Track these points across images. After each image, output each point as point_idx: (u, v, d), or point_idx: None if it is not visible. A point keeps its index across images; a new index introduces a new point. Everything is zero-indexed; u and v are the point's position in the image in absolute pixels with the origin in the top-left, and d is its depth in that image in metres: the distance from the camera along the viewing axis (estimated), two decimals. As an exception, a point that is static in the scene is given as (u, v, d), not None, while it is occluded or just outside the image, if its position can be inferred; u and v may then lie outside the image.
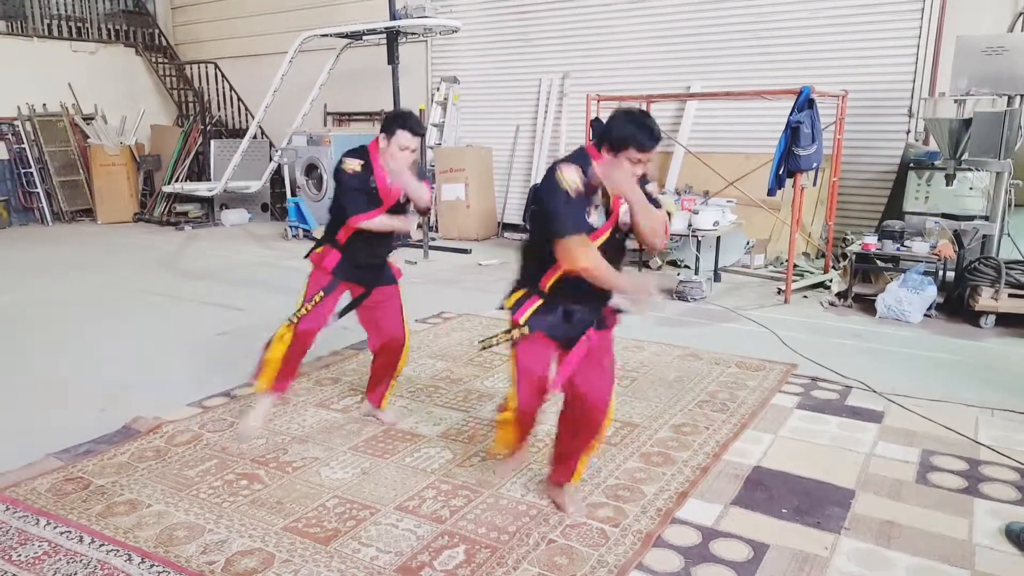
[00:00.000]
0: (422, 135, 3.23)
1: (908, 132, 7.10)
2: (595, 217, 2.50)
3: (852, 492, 2.94)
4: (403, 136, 3.16)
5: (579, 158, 2.50)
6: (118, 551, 2.52)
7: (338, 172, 3.23)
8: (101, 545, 2.55)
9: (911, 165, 6.13)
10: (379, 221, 3.25)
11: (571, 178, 2.40)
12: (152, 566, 2.44)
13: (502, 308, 2.69)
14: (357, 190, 3.21)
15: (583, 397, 2.59)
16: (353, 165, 3.20)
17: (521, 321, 2.58)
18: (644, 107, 7.45)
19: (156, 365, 4.50)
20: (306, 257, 3.43)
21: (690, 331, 5.23)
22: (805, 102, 5.75)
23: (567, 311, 2.56)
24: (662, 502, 2.86)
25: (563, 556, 2.51)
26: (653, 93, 7.60)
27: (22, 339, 5.09)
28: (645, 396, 3.95)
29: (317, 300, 3.30)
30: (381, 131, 3.23)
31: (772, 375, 4.25)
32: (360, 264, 3.32)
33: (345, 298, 3.43)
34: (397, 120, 3.20)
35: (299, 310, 3.30)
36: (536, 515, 2.77)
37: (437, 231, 9.20)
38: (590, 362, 2.58)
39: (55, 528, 2.66)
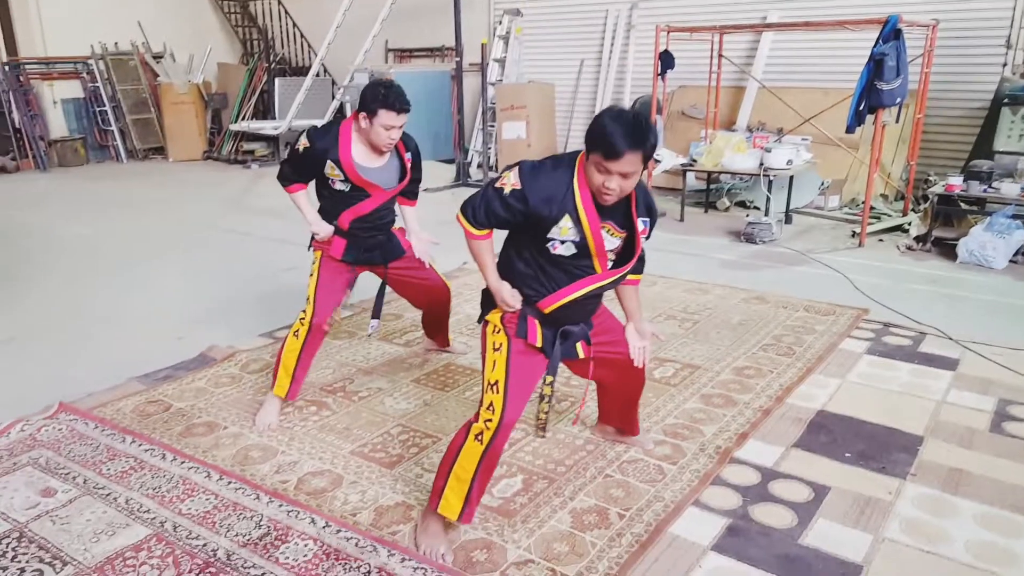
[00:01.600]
0: (407, 111, 2.84)
1: (1004, 65, 6.65)
2: (562, 248, 2.18)
3: (920, 439, 2.88)
4: (386, 116, 2.79)
5: (566, 164, 2.16)
6: (198, 468, 2.67)
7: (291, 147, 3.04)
8: (182, 462, 2.71)
9: (1005, 101, 5.77)
10: (297, 199, 3.08)
11: (512, 181, 2.13)
12: (230, 483, 2.58)
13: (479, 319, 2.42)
14: (297, 161, 2.98)
15: (623, 373, 2.54)
16: (304, 143, 2.94)
17: (536, 344, 2.30)
18: (716, 40, 7.18)
19: (228, 298, 4.66)
20: (309, 248, 3.15)
21: (757, 274, 5.11)
22: (891, 32, 5.42)
23: (568, 332, 2.34)
24: (721, 442, 2.85)
25: (619, 489, 2.55)
26: (727, 24, 7.28)
27: (101, 271, 5.34)
28: (707, 339, 3.91)
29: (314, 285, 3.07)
30: (359, 109, 2.85)
31: (842, 320, 4.14)
32: (368, 246, 3.12)
33: (363, 291, 3.34)
34: (377, 97, 2.77)
35: (311, 303, 3.02)
36: (593, 450, 2.81)
37: (497, 171, 9.16)
38: (603, 360, 2.47)
39: (140, 446, 2.83)
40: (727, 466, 2.69)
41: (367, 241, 3.10)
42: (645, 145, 2.00)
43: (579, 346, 2.39)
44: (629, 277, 2.36)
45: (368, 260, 3.16)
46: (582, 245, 2.16)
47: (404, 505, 2.47)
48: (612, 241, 2.22)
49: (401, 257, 3.22)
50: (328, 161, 2.92)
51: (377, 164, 2.99)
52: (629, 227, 2.23)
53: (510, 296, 2.25)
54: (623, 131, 1.97)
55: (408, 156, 3.10)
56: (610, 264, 2.26)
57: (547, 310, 2.26)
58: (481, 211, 2.21)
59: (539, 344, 2.29)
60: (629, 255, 2.28)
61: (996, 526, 2.35)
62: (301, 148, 2.96)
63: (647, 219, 2.28)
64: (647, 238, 2.31)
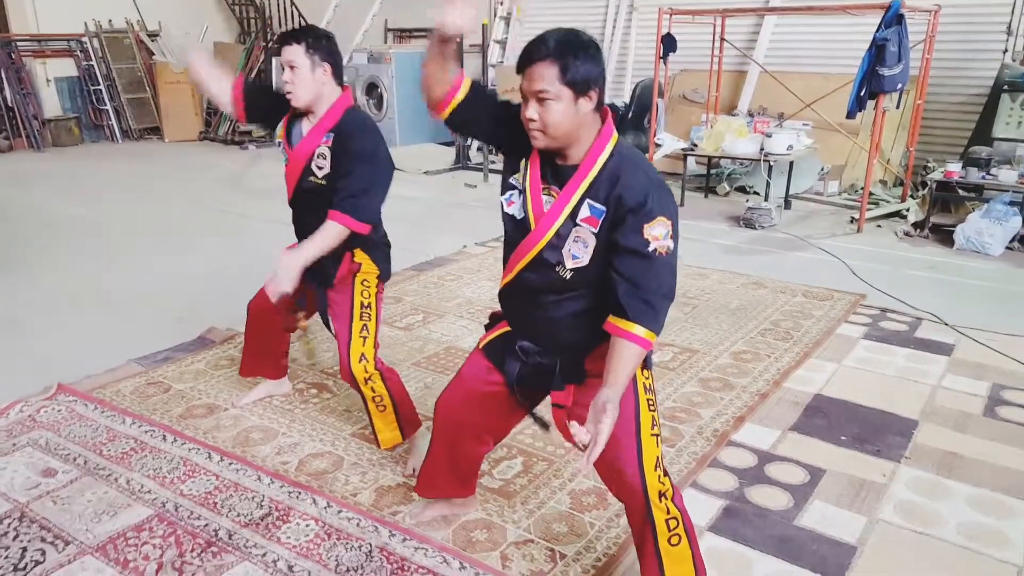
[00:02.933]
0: (292, 42, 2.40)
1: (1005, 51, 6.63)
2: (515, 206, 1.80)
3: (915, 422, 2.90)
4: (282, 51, 2.43)
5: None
6: (199, 449, 2.68)
7: None
8: (183, 444, 2.72)
9: (1005, 87, 5.77)
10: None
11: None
12: (231, 464, 2.59)
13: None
14: (257, 85, 2.66)
15: (607, 477, 1.85)
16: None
17: (481, 345, 2.04)
18: (719, 23, 7.14)
19: (226, 279, 4.66)
20: None
21: (756, 259, 5.13)
22: (894, 18, 5.41)
23: (520, 347, 1.88)
24: (719, 425, 2.87)
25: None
26: (729, 7, 7.24)
27: (98, 252, 5.33)
28: (706, 323, 3.93)
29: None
30: None
31: (839, 305, 4.16)
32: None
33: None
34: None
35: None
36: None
37: (497, 153, 9.12)
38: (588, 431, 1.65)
39: (140, 427, 2.84)
40: (724, 449, 2.72)
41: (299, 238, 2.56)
42: (559, 54, 1.58)
43: (559, 394, 1.87)
44: (617, 324, 1.64)
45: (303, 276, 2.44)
46: (525, 207, 1.76)
47: (405, 487, 2.49)
48: (549, 204, 1.72)
49: (333, 288, 2.57)
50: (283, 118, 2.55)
51: (305, 129, 2.50)
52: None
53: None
54: (539, 37, 1.63)
55: (327, 139, 2.44)
56: (568, 274, 1.73)
57: (502, 284, 1.90)
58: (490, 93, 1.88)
59: (482, 345, 2.02)
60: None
61: (989, 508, 2.38)
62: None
63: (600, 207, 1.66)
64: (612, 241, 1.65)
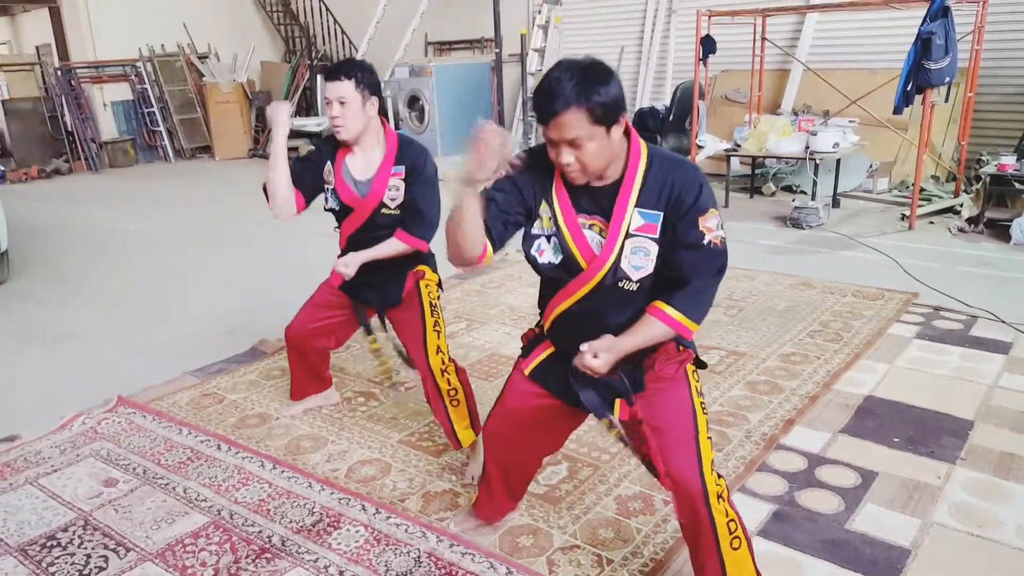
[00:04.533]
0: (339, 79, 2.44)
1: (1058, 39, 6.41)
2: (547, 253, 1.78)
3: (971, 423, 2.82)
4: (322, 85, 2.57)
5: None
6: (252, 458, 2.76)
7: None
8: (237, 453, 2.80)
9: (1059, 76, 5.57)
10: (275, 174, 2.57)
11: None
12: (283, 472, 2.66)
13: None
14: (300, 162, 2.68)
15: (668, 482, 1.81)
16: (311, 147, 2.69)
17: (526, 372, 1.99)
18: (759, 22, 7.06)
19: (277, 292, 4.77)
20: None
21: (804, 259, 5.04)
22: (939, 10, 5.28)
23: (575, 373, 1.75)
24: (767, 428, 2.84)
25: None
26: (769, 7, 7.16)
27: (154, 267, 5.51)
28: (753, 326, 3.88)
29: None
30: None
31: (891, 304, 4.07)
32: (363, 281, 2.65)
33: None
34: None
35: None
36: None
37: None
38: (648, 441, 1.80)
39: (196, 437, 2.93)
40: (773, 453, 2.68)
41: (362, 274, 2.63)
42: (582, 98, 1.54)
43: (617, 404, 1.85)
44: (660, 307, 1.70)
45: (362, 298, 2.73)
46: (565, 248, 1.74)
47: (451, 492, 2.52)
48: (596, 236, 1.72)
49: (397, 306, 2.69)
50: (327, 164, 2.63)
51: (367, 176, 2.60)
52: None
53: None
54: (550, 85, 1.58)
55: (397, 171, 2.56)
56: (634, 286, 1.73)
57: (546, 324, 1.92)
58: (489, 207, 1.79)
59: (527, 372, 1.97)
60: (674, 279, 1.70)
61: (1051, 512, 2.30)
62: (305, 152, 2.75)
63: (655, 212, 1.67)
64: (670, 240, 1.67)
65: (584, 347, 1.65)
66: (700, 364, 1.88)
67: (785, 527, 2.27)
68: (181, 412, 3.16)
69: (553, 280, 1.82)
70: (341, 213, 2.67)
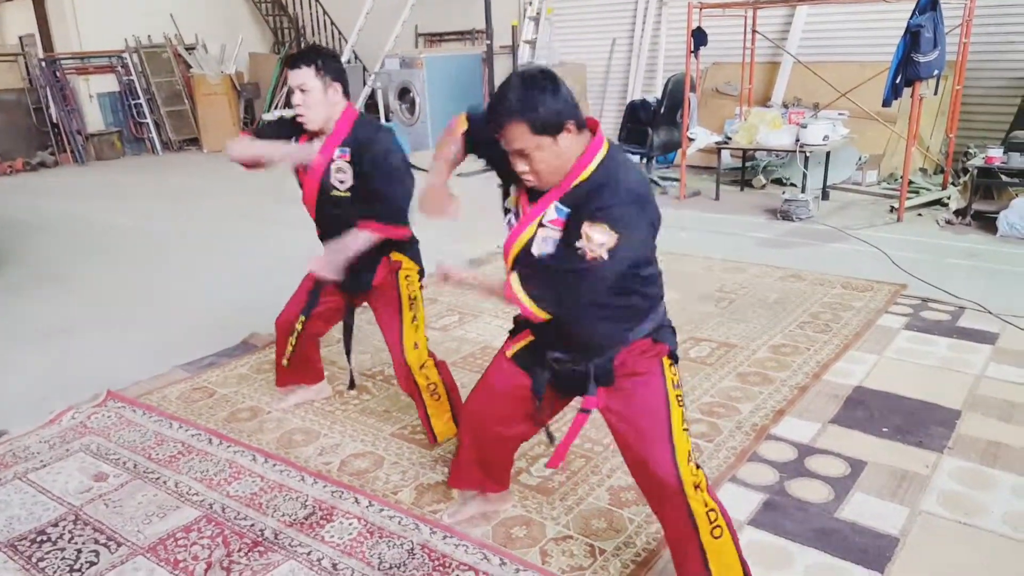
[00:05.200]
0: (300, 66, 2.40)
1: (1046, 33, 6.45)
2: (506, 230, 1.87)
3: (958, 412, 2.85)
4: (289, 75, 2.44)
5: None
6: (244, 452, 2.75)
7: None
8: (229, 447, 2.79)
9: (1046, 69, 5.60)
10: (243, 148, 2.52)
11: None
12: (275, 465, 2.66)
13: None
14: (265, 127, 2.67)
15: (640, 476, 1.87)
16: (277, 115, 2.68)
17: (508, 354, 2.03)
18: (750, 15, 7.06)
19: (265, 285, 4.74)
20: None
21: (794, 252, 5.07)
22: (928, 3, 5.31)
23: (551, 358, 1.90)
24: (758, 419, 2.86)
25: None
26: (758, -1, 7.17)
27: (143, 261, 5.48)
28: (744, 317, 3.90)
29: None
30: None
31: (879, 296, 4.10)
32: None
33: None
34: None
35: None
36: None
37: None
38: (620, 436, 1.88)
39: (187, 431, 2.92)
40: (764, 443, 2.70)
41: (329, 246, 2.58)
42: (523, 111, 1.60)
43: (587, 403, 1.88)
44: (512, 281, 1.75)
45: (337, 283, 2.65)
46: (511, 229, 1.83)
47: (444, 485, 2.52)
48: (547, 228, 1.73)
49: (370, 293, 2.67)
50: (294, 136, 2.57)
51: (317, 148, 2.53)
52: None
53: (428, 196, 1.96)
54: (496, 99, 1.65)
55: (342, 153, 2.47)
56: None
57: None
58: (485, 119, 1.77)
59: (509, 354, 2.02)
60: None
61: (1038, 500, 2.33)
62: (273, 119, 2.66)
63: (565, 209, 1.70)
64: (564, 235, 1.68)
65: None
66: (674, 358, 1.89)
67: (775, 516, 2.29)
68: (171, 406, 3.14)
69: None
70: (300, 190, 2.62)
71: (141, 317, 4.32)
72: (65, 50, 10.51)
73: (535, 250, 1.75)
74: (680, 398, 1.85)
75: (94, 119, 10.77)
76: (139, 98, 10.89)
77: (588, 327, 1.82)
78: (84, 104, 10.65)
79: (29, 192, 8.39)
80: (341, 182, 2.51)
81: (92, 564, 2.19)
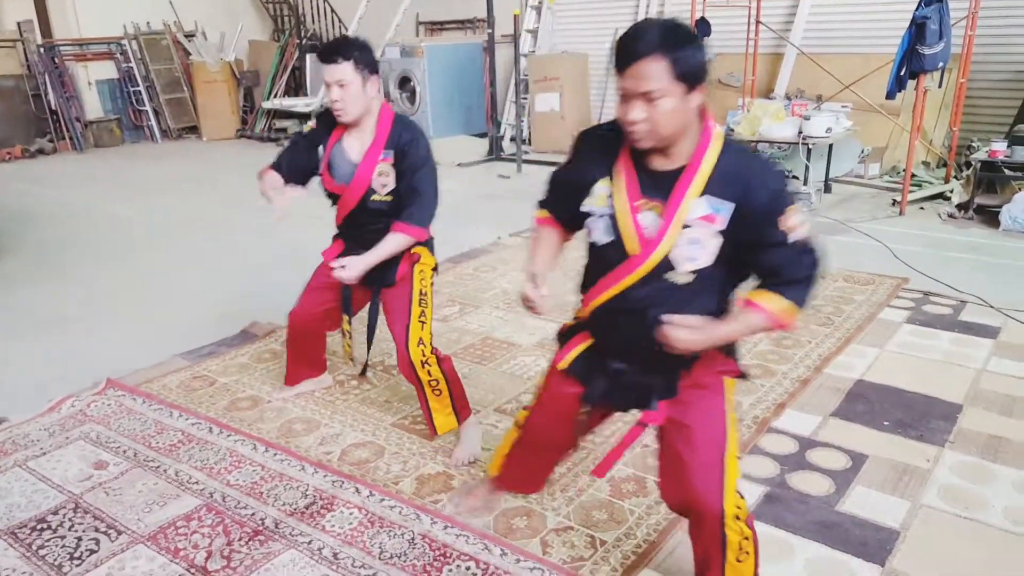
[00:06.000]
0: (336, 61, 2.41)
1: (1050, 26, 6.42)
2: (599, 234, 1.70)
3: (959, 407, 2.85)
4: (320, 70, 2.42)
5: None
6: (244, 441, 2.75)
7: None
8: (229, 435, 2.79)
9: (1051, 62, 5.58)
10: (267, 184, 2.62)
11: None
12: (276, 455, 2.65)
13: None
14: (293, 146, 2.69)
15: (682, 502, 1.73)
16: (311, 123, 2.64)
17: (560, 366, 1.87)
18: (754, 5, 7.03)
19: (265, 275, 4.74)
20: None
21: (793, 243, 5.05)
22: (933, -5, 5.27)
23: (612, 369, 1.76)
24: (759, 412, 2.86)
25: (657, 459, 2.56)
26: (762, -10, 7.13)
27: (142, 249, 5.46)
28: (744, 308, 3.89)
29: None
30: None
31: (881, 289, 4.09)
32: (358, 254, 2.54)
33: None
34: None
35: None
36: (631, 422, 2.82)
37: (530, 144, 9.11)
38: (670, 448, 1.75)
39: (187, 420, 2.91)
40: (765, 435, 2.70)
41: (356, 249, 2.57)
42: (669, 47, 1.45)
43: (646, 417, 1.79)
44: (751, 297, 1.63)
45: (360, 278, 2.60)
46: (616, 230, 1.63)
47: (445, 475, 2.52)
48: (654, 221, 1.58)
49: (392, 287, 2.64)
50: (319, 147, 2.60)
51: (358, 159, 2.53)
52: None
53: (530, 283, 1.73)
54: (635, 31, 1.49)
55: (386, 156, 2.49)
56: (684, 279, 1.61)
57: (586, 311, 1.79)
58: (546, 189, 1.84)
59: (564, 366, 1.86)
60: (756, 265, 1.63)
61: (1039, 494, 2.33)
62: (307, 128, 2.65)
63: (724, 203, 1.55)
64: (753, 241, 1.57)
65: (676, 318, 1.57)
66: (743, 376, 1.79)
67: (776, 509, 2.29)
68: (171, 395, 3.14)
69: (600, 264, 1.70)
70: (332, 197, 2.65)
71: (141, 305, 4.31)
72: (64, 36, 10.44)
73: (678, 255, 1.58)
74: (737, 422, 1.74)
75: (93, 106, 10.71)
76: (138, 85, 10.82)
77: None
78: (83, 91, 10.58)
79: (27, 179, 8.35)
80: (384, 186, 2.52)
81: (92, 552, 2.18)
